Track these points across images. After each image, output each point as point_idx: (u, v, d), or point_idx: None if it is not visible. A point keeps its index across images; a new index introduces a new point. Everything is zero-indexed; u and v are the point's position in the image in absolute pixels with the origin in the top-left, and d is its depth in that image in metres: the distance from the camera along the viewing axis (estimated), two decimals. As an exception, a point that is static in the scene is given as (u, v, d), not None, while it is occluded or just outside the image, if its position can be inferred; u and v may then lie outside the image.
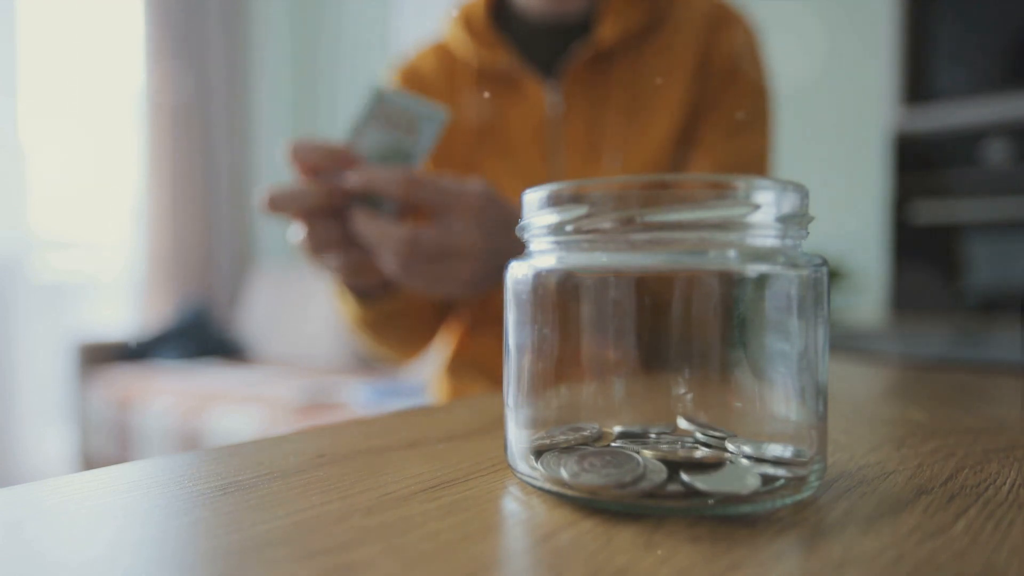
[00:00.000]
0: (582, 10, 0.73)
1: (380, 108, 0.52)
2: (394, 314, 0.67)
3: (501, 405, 0.27)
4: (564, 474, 0.23)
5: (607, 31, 0.70)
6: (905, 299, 1.65)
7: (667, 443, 0.26)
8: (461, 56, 0.76)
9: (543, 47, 0.74)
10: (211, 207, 2.94)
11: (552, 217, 0.24)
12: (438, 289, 0.55)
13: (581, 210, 0.24)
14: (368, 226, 0.50)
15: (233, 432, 1.82)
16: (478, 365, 0.77)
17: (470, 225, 0.52)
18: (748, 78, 0.73)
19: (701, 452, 0.24)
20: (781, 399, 0.24)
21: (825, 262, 0.25)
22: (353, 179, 0.49)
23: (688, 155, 0.72)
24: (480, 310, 0.76)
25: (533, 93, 0.72)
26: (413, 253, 0.51)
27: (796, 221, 0.24)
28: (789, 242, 0.24)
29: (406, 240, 0.50)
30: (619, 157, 0.71)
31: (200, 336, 2.59)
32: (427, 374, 1.60)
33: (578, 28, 0.73)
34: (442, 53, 0.78)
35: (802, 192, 0.24)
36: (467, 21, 0.75)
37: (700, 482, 0.22)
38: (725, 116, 0.72)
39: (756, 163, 0.73)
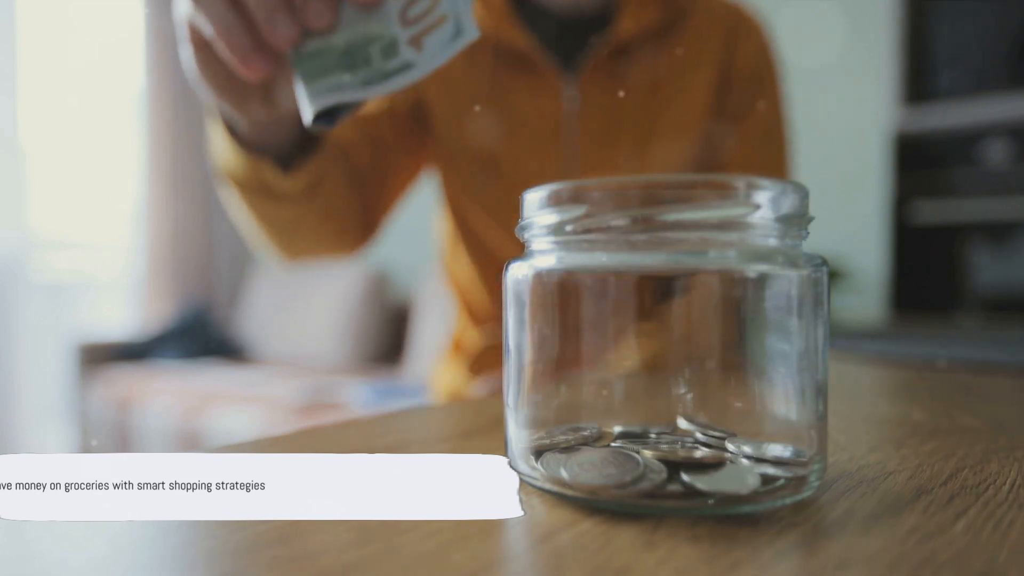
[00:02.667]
0: (600, 2, 0.73)
1: None
2: (282, 194, 0.54)
3: (501, 405, 0.27)
4: (564, 474, 0.23)
5: (626, 24, 0.69)
6: (905, 299, 1.65)
7: (667, 443, 0.26)
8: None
9: (561, 40, 0.73)
10: (211, 207, 2.94)
11: (552, 217, 0.24)
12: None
13: (581, 210, 0.24)
14: None
15: (233, 432, 1.82)
16: (477, 365, 0.77)
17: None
18: (772, 88, 0.73)
19: (701, 452, 0.24)
20: (781, 399, 0.24)
21: (825, 262, 0.25)
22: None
23: (716, 164, 0.72)
24: (478, 311, 0.75)
25: (550, 83, 0.71)
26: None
27: (796, 221, 0.24)
28: (789, 242, 0.24)
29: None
30: (636, 158, 0.70)
31: (200, 336, 2.59)
32: (427, 374, 1.60)
33: (596, 22, 0.73)
34: None
35: (802, 192, 0.24)
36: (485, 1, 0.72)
37: (700, 482, 0.22)
38: (754, 127, 0.72)
39: (783, 172, 0.73)
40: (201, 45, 0.40)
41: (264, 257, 0.68)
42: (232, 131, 0.50)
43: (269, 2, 0.36)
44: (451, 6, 0.37)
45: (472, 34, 0.36)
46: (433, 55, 0.36)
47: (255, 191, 0.54)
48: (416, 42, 0.37)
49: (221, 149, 0.52)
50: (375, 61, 0.37)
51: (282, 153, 0.52)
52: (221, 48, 0.37)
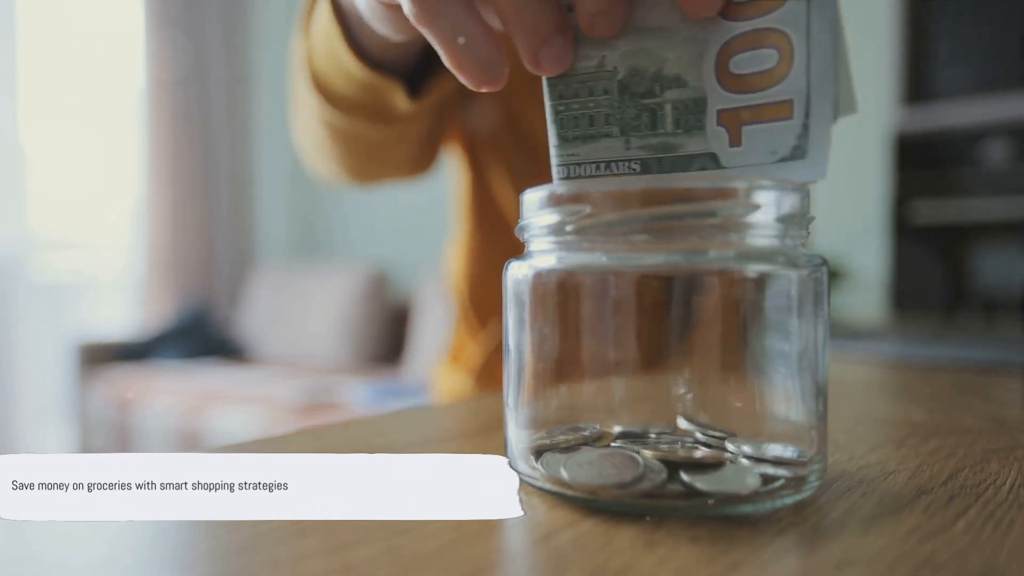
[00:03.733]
0: None
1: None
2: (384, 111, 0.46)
3: (501, 405, 0.27)
4: (564, 474, 0.23)
5: None
6: (905, 299, 1.65)
7: (667, 443, 0.26)
8: None
9: None
10: (211, 207, 2.94)
11: (552, 217, 0.24)
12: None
13: (581, 210, 0.24)
14: None
15: (233, 432, 1.82)
16: (475, 368, 0.77)
17: None
18: None
19: (701, 452, 0.24)
20: (781, 399, 0.24)
21: (825, 262, 0.25)
22: None
23: None
24: (489, 304, 0.75)
25: None
26: None
27: (796, 221, 0.24)
28: (789, 242, 0.24)
29: None
30: None
31: (200, 336, 2.59)
32: (427, 374, 1.60)
33: None
34: None
35: (802, 192, 0.24)
36: None
37: (700, 482, 0.22)
38: None
39: None
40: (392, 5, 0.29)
41: (321, 177, 0.62)
42: (355, 45, 0.42)
43: (546, 21, 0.24)
44: (799, 86, 0.22)
45: (820, 171, 0.22)
46: (747, 162, 0.23)
47: (366, 111, 0.46)
48: (733, 122, 0.23)
49: (330, 65, 0.44)
50: (665, 124, 0.23)
51: (407, 73, 0.45)
52: (446, 58, 0.26)
